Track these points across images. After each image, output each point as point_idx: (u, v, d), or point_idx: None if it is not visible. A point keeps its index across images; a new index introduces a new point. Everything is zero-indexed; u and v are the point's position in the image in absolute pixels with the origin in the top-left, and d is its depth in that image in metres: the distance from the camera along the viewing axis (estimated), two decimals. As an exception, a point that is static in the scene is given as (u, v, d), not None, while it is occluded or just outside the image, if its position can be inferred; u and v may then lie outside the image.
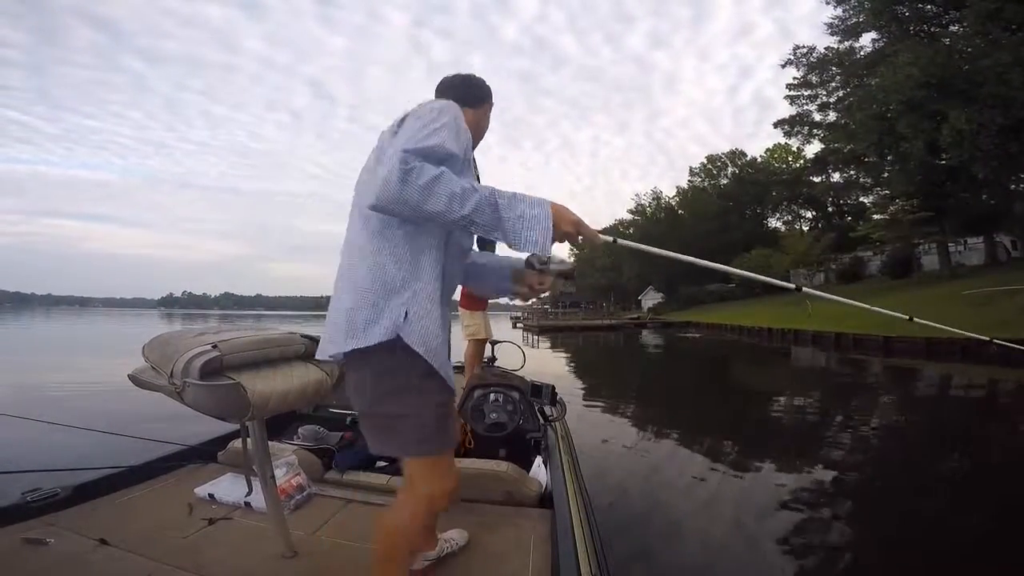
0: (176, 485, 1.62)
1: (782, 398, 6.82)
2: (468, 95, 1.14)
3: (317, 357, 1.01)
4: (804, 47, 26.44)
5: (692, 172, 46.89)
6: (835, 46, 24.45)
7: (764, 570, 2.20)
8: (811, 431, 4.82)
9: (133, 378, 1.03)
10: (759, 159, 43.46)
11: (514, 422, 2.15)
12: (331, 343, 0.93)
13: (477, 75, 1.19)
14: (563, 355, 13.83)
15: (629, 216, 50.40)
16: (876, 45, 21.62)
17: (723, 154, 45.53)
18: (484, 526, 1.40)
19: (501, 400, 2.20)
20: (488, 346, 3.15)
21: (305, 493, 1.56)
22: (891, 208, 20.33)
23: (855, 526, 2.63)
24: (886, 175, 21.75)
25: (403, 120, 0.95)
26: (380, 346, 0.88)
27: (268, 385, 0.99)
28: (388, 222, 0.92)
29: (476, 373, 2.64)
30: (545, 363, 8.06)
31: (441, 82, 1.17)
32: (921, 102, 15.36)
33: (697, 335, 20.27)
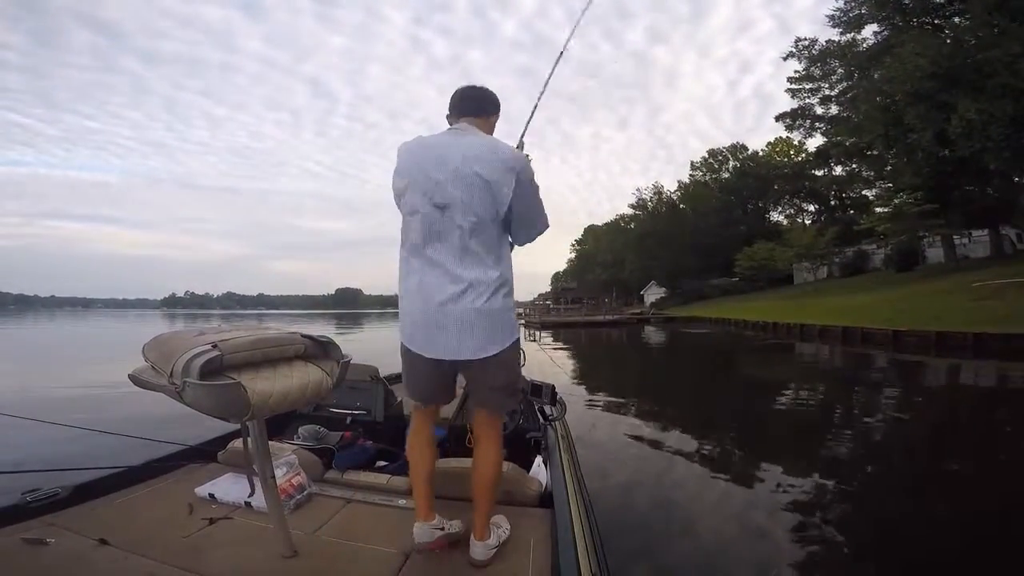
0: (176, 485, 1.61)
1: (788, 395, 6.75)
2: (480, 108, 1.36)
3: (476, 357, 1.19)
4: (806, 39, 26.21)
5: (693, 166, 46.75)
6: (836, 39, 24.21)
7: (765, 570, 2.19)
8: (818, 430, 4.73)
9: (133, 378, 1.02)
10: (760, 153, 43.20)
11: (514, 422, 2.14)
12: (495, 341, 1.21)
13: (489, 89, 1.40)
14: (565, 351, 13.81)
15: (630, 211, 50.17)
16: (878, 37, 21.38)
17: (724, 148, 45.34)
18: None
19: None
20: None
21: (305, 493, 1.55)
22: (895, 201, 20.15)
23: (862, 530, 2.59)
24: (890, 168, 21.56)
25: (504, 165, 1.21)
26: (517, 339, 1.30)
27: (268, 385, 0.99)
28: (502, 242, 1.27)
29: None
30: (547, 360, 8.02)
31: (457, 93, 1.36)
32: (929, 93, 15.11)
33: (706, 331, 19.68)
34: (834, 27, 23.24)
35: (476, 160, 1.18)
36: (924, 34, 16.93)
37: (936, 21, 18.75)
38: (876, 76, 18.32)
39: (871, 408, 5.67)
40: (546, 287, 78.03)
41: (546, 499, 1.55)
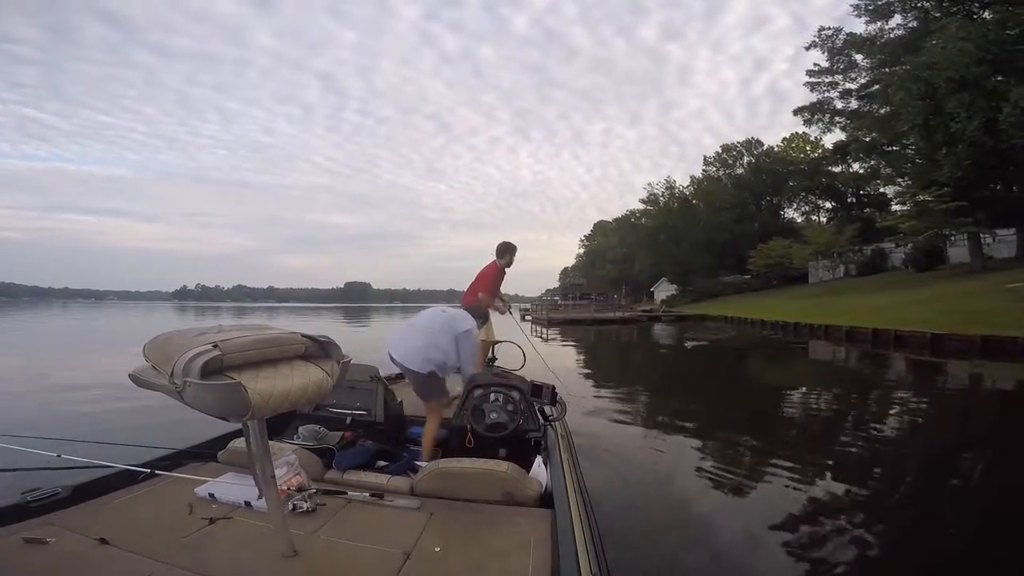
0: (176, 485, 1.61)
1: (806, 399, 6.51)
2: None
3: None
4: (829, 28, 25.29)
5: (707, 161, 45.76)
6: (859, 31, 23.41)
7: (766, 571, 2.16)
8: (834, 439, 4.50)
9: (134, 378, 1.02)
10: (776, 148, 42.23)
11: (514, 422, 2.14)
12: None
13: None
14: (574, 349, 13.70)
15: (641, 206, 49.52)
16: (903, 29, 20.60)
17: (739, 143, 44.33)
18: (484, 526, 1.39)
19: (501, 400, 2.18)
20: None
21: (305, 493, 1.54)
22: (919, 198, 19.43)
23: (874, 547, 2.49)
24: (911, 165, 20.78)
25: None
26: None
27: (269, 384, 0.98)
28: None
29: (476, 373, 2.65)
30: (554, 359, 7.83)
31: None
32: (976, 79, 14.12)
33: (720, 330, 18.71)
34: (859, 16, 22.41)
35: None
36: (957, 21, 16.06)
37: (970, 9, 17.82)
38: (915, 62, 17.00)
39: (903, 417, 5.27)
40: (554, 283, 78.04)
41: (546, 499, 1.56)
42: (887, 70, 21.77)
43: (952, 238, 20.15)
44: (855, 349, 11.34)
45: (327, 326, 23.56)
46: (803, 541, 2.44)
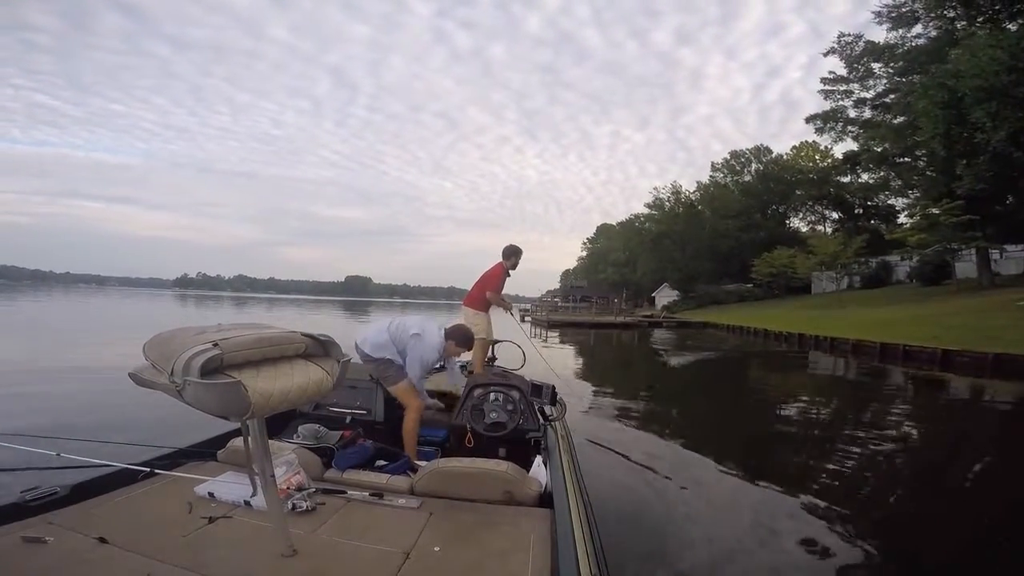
0: (176, 484, 1.60)
1: (813, 412, 6.42)
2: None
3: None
4: (849, 35, 24.91)
5: (714, 167, 45.66)
6: (877, 40, 23.16)
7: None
8: (839, 453, 4.39)
9: (133, 376, 1.01)
10: (785, 156, 42.01)
11: (514, 422, 2.15)
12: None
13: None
14: (572, 352, 13.64)
15: (646, 210, 49.38)
16: (923, 38, 20.36)
17: (747, 150, 44.16)
18: (484, 525, 1.39)
19: (501, 399, 2.18)
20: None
21: (305, 492, 1.54)
22: (929, 210, 19.24)
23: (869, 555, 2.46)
24: (918, 177, 20.54)
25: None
26: None
27: (269, 383, 0.97)
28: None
29: (476, 372, 2.64)
30: (552, 361, 7.67)
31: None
32: (1005, 88, 13.75)
33: (729, 343, 17.93)
34: (880, 23, 21.95)
35: None
36: (986, 30, 15.75)
37: (998, 18, 17.35)
38: (940, 70, 16.54)
39: (907, 434, 5.18)
40: (555, 284, 77.97)
41: (546, 499, 1.56)
42: (906, 79, 21.41)
43: (960, 253, 19.96)
44: (862, 362, 11.15)
45: (327, 320, 23.61)
46: (802, 543, 2.42)
